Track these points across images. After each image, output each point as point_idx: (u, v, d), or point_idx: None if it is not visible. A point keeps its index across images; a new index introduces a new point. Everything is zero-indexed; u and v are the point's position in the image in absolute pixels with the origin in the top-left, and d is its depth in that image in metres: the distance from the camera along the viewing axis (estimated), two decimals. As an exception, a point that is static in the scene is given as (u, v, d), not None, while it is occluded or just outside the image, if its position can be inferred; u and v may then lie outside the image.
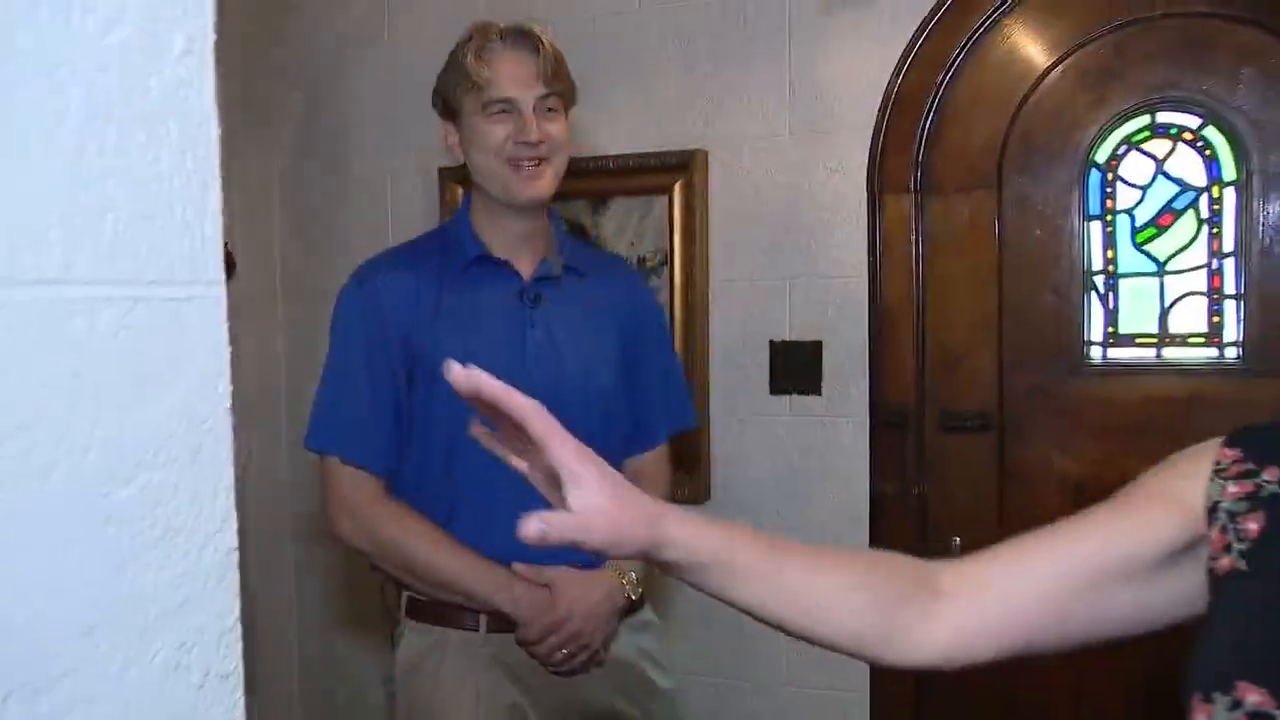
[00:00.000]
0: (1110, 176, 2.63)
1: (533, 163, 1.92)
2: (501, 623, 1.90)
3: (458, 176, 3.16)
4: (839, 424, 2.85)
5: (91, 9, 0.71)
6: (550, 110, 1.95)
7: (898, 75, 2.71)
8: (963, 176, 2.73)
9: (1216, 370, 2.57)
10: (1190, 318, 2.59)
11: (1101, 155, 2.62)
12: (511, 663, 1.91)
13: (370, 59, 3.30)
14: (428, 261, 1.99)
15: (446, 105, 1.98)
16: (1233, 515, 0.99)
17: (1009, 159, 2.69)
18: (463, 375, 1.07)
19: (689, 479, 2.92)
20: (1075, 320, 2.67)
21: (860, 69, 2.76)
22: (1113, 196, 2.64)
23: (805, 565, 1.08)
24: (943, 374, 2.79)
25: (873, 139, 2.76)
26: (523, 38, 1.94)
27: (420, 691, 1.93)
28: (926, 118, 2.72)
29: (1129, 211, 2.62)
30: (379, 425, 1.91)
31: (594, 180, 3.02)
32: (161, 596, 0.77)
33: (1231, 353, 2.55)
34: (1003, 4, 2.63)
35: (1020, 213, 2.70)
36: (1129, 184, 2.62)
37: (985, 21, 2.66)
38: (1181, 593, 1.03)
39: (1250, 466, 1.00)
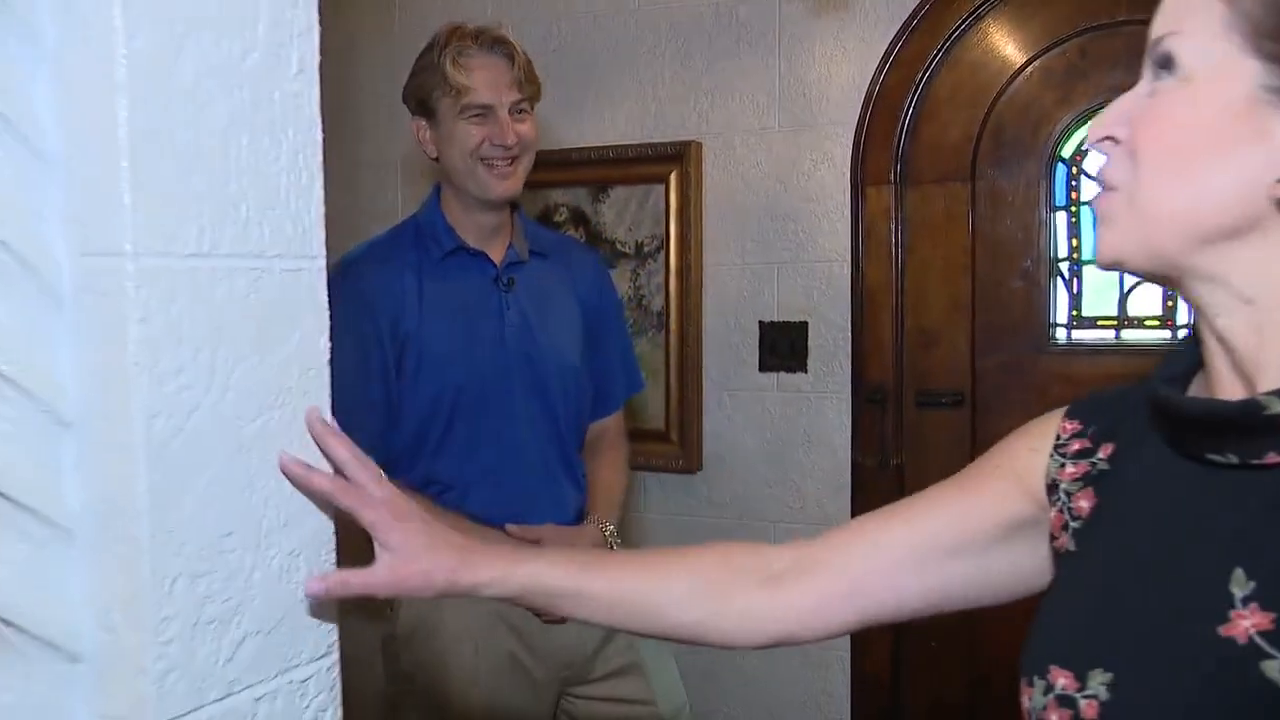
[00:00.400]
0: (1075, 170, 2.80)
1: (505, 162, 2.01)
2: None
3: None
4: (823, 399, 3.02)
5: (232, 38, 0.89)
6: (521, 112, 2.04)
7: (879, 74, 2.87)
8: (939, 169, 2.90)
9: (1170, 350, 2.74)
10: (1146, 302, 2.77)
11: (1067, 150, 2.80)
12: (507, 615, 1.99)
13: (380, 52, 3.44)
14: (406, 254, 2.07)
15: (422, 105, 2.06)
16: (1069, 494, 0.97)
17: (982, 154, 2.86)
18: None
19: (682, 451, 3.10)
20: (1042, 304, 2.84)
21: (844, 68, 2.93)
22: (1077, 189, 2.81)
23: (624, 574, 1.13)
24: (920, 353, 2.96)
25: (856, 133, 2.92)
26: (498, 44, 2.02)
27: (422, 650, 2.02)
28: (906, 114, 2.89)
29: (1092, 203, 2.79)
30: (368, 413, 1.97)
31: (594, 169, 3.17)
32: (279, 512, 0.95)
33: (1183, 334, 2.74)
34: (976, 9, 2.80)
35: (992, 203, 2.87)
36: (1092, 178, 2.79)
37: (961, 25, 2.82)
38: (1026, 566, 1.02)
39: (1087, 445, 0.98)
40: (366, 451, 2.10)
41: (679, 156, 3.08)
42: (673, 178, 3.10)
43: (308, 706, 0.99)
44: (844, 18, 2.88)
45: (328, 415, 1.02)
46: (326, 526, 1.01)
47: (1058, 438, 1.00)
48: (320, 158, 0.98)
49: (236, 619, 0.91)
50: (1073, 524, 0.95)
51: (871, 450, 2.96)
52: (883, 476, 2.96)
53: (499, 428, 2.03)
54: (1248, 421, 0.79)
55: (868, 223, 2.95)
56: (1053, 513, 0.98)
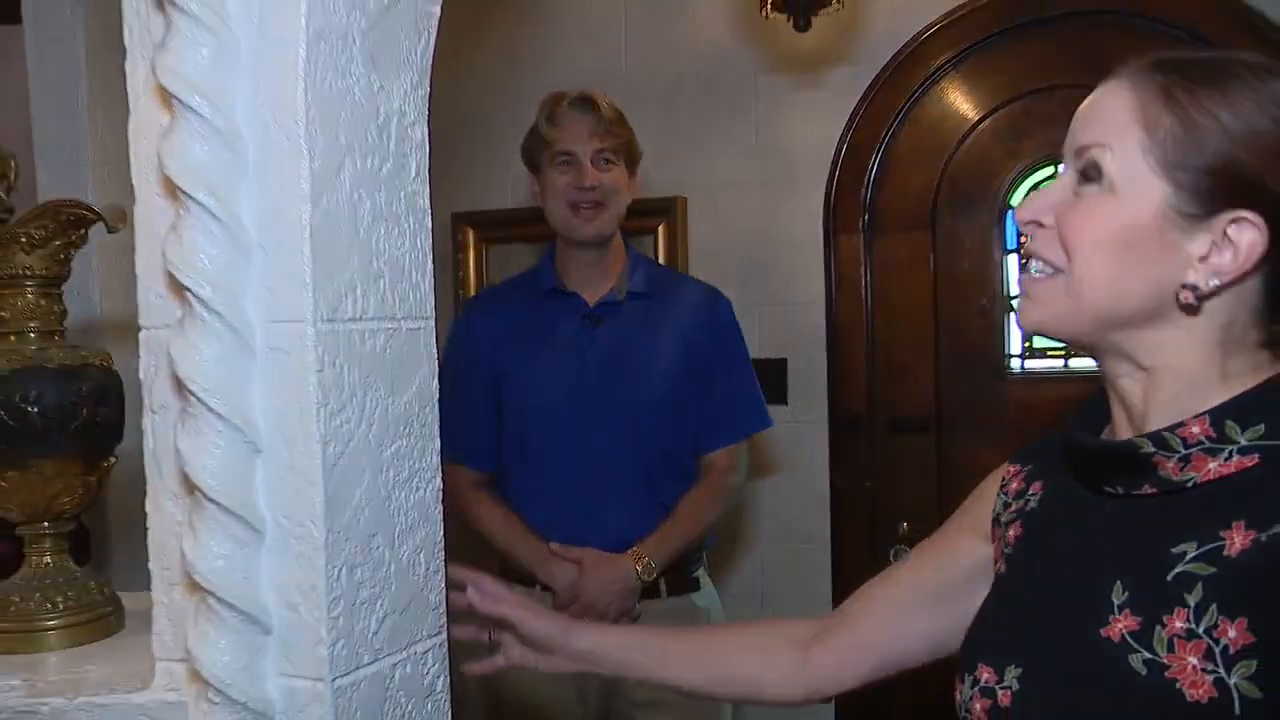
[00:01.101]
0: (1024, 217, 3.10)
1: (589, 206, 2.24)
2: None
3: (470, 221, 3.58)
4: (803, 428, 3.27)
5: (373, 155, 1.14)
6: (607, 161, 2.26)
7: (846, 133, 3.16)
8: (903, 218, 3.19)
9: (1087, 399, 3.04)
10: (1091, 333, 3.07)
11: (1015, 199, 3.10)
12: None
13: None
14: (515, 294, 2.38)
15: (530, 162, 2.34)
16: (1005, 526, 1.13)
17: (940, 203, 3.15)
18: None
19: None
20: (998, 337, 3.13)
21: (815, 129, 3.21)
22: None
23: (694, 648, 1.40)
24: (889, 384, 3.23)
25: (827, 187, 3.20)
26: (584, 102, 2.28)
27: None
28: (871, 169, 3.18)
29: (1040, 246, 3.09)
30: (473, 430, 2.29)
31: (589, 223, 3.45)
32: (405, 519, 1.20)
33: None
34: (932, 75, 3.10)
35: (950, 247, 3.16)
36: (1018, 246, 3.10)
37: (919, 89, 3.11)
38: None
39: (1023, 485, 1.14)
40: (470, 458, 2.26)
41: (666, 210, 3.35)
42: (661, 229, 3.37)
43: (426, 674, 1.23)
44: (814, 83, 3.17)
45: (435, 457, 1.25)
46: (437, 531, 1.25)
47: (1003, 480, 1.18)
48: (430, 240, 1.23)
49: (380, 601, 1.15)
50: (1005, 550, 1.12)
51: (848, 473, 3.23)
52: (859, 497, 3.23)
53: (567, 452, 2.24)
54: (1128, 459, 0.96)
55: (840, 267, 3.22)
56: (995, 544, 1.15)
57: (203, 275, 1.04)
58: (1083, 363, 3.08)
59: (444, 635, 1.26)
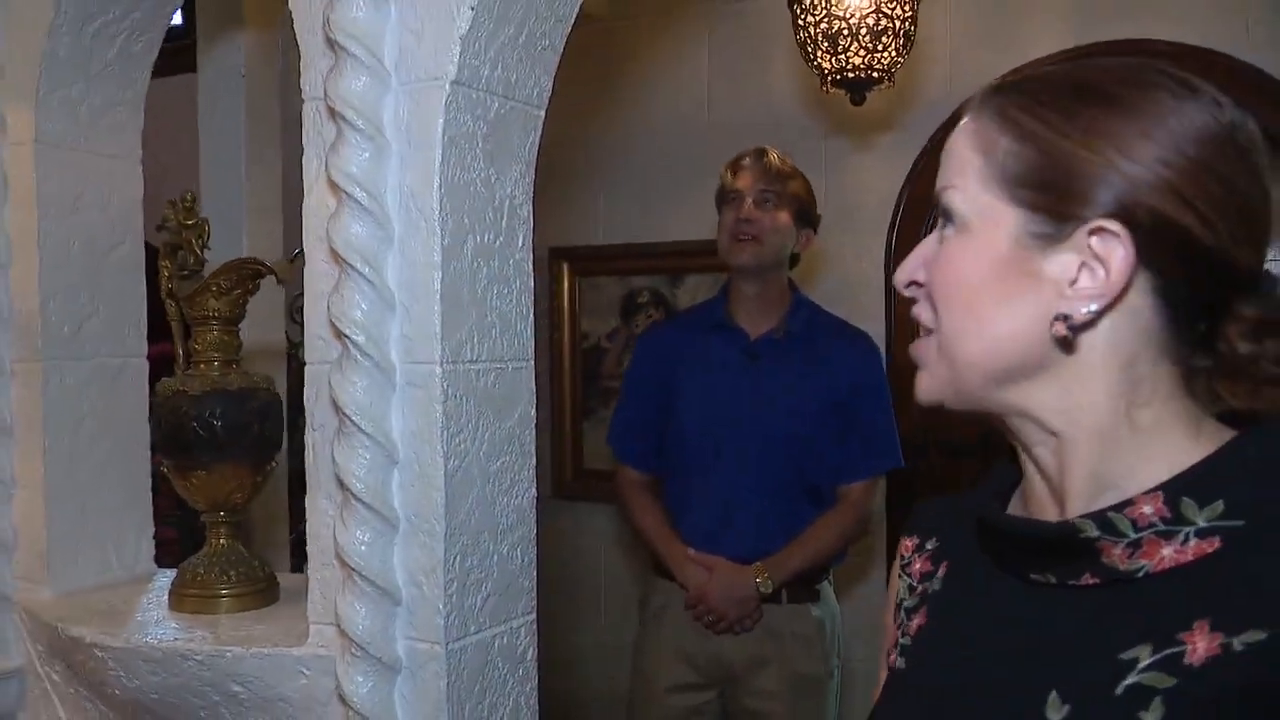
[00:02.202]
0: (1069, 264, 3.25)
1: (746, 237, 2.39)
2: None
3: (565, 255, 3.84)
4: (862, 451, 3.45)
5: (489, 230, 1.40)
6: (768, 204, 2.41)
7: (906, 186, 3.35)
8: (957, 262, 3.36)
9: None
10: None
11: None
12: (681, 645, 2.43)
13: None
14: (688, 323, 2.60)
15: (717, 204, 2.53)
16: (908, 613, 0.93)
17: (993, 249, 3.31)
18: None
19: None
20: (1044, 373, 3.28)
21: (878, 182, 3.39)
22: (1071, 279, 3.26)
23: None
24: (945, 413, 3.37)
25: (888, 233, 3.39)
26: (759, 154, 2.46)
27: (645, 616, 2.53)
28: (930, 216, 3.35)
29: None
30: (640, 434, 2.52)
31: (671, 260, 3.65)
32: (506, 519, 1.44)
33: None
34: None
35: (1001, 290, 3.32)
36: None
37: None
38: None
39: (929, 566, 0.94)
40: (636, 460, 2.55)
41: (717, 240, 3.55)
42: (737, 267, 3.58)
43: (519, 645, 1.47)
44: (876, 145, 3.37)
45: (531, 471, 1.50)
46: (531, 530, 1.49)
47: (903, 559, 0.98)
48: (532, 298, 1.48)
49: (485, 583, 1.39)
50: (903, 641, 0.92)
51: (904, 493, 3.40)
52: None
53: (714, 469, 2.42)
54: (1065, 544, 0.77)
55: (901, 305, 3.41)
56: (896, 634, 0.95)
57: (357, 325, 1.30)
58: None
59: (534, 615, 1.50)
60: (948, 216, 0.82)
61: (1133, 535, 0.75)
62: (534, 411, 1.50)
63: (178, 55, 2.57)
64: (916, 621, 0.92)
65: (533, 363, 1.50)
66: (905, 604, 0.94)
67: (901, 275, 0.87)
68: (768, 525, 2.41)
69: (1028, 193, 0.77)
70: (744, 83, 3.56)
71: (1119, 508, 0.75)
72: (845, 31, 2.33)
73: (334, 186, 1.31)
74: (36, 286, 1.63)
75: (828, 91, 2.54)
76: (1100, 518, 0.76)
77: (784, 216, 2.44)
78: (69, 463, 1.67)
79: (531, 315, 1.49)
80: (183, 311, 1.62)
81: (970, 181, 0.80)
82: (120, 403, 1.76)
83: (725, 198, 2.48)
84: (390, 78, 1.32)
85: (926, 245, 0.86)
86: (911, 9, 2.39)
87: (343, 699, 1.33)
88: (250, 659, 1.40)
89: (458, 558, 1.35)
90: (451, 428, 1.33)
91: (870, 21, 2.31)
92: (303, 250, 1.39)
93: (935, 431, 3.37)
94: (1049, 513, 0.83)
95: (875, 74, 2.42)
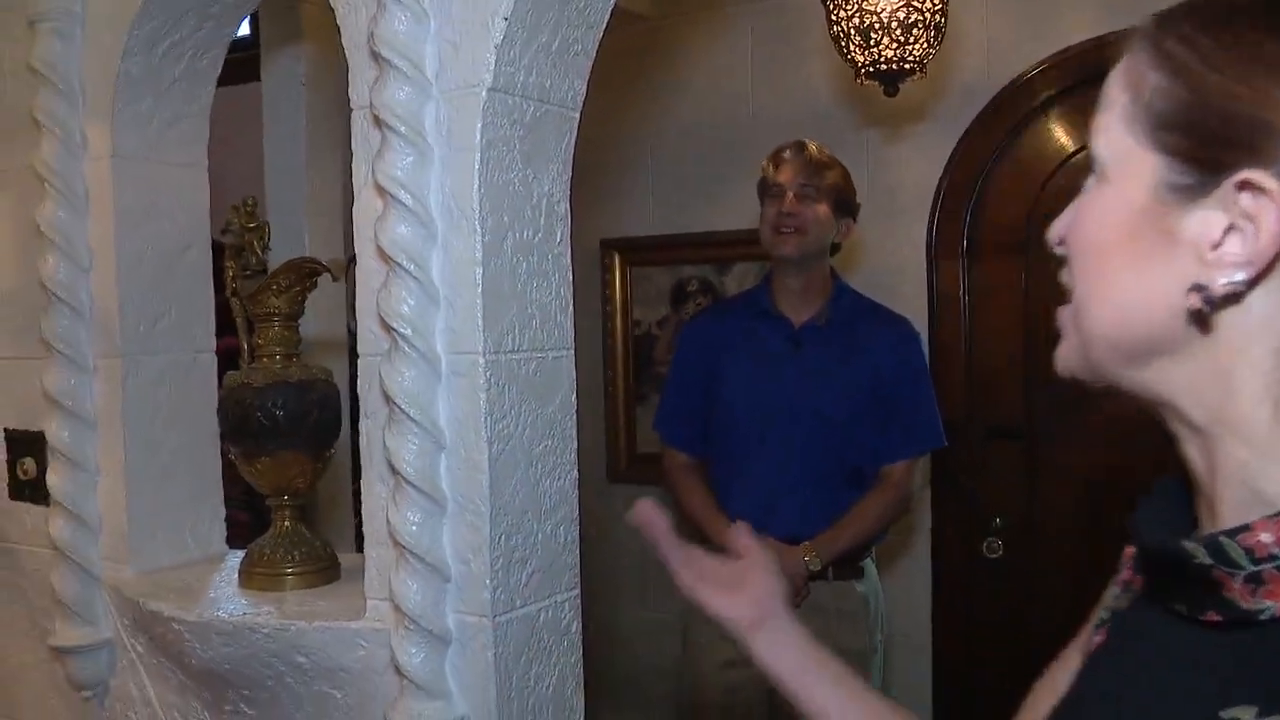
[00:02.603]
0: (1110, 246, 3.23)
1: (788, 230, 2.42)
2: None
3: (615, 246, 3.89)
4: (907, 433, 3.47)
5: (528, 227, 1.45)
6: (809, 197, 2.43)
7: (946, 172, 3.35)
8: (998, 245, 3.35)
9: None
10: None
11: (1103, 230, 3.23)
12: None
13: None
14: (734, 310, 2.63)
15: (760, 196, 2.55)
16: (1095, 628, 0.81)
17: (1032, 231, 3.29)
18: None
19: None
20: (1085, 353, 3.27)
21: (918, 169, 3.39)
22: (1112, 260, 3.24)
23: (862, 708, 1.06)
24: (985, 394, 3.39)
25: (929, 219, 3.38)
26: (798, 147, 2.50)
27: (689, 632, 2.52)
28: (969, 202, 3.36)
29: (1124, 272, 3.23)
30: (687, 419, 2.56)
31: (719, 249, 3.69)
32: (549, 500, 1.50)
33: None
34: (1023, 117, 3.27)
35: (1041, 271, 3.30)
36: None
37: (1013, 128, 3.29)
38: None
39: (1131, 575, 0.80)
40: (682, 443, 2.56)
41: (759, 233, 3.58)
42: (782, 255, 3.61)
43: (563, 619, 1.52)
44: (916, 133, 3.38)
45: (572, 455, 1.55)
46: (573, 511, 1.54)
47: (1120, 562, 0.83)
48: (572, 291, 1.53)
49: (530, 561, 1.45)
50: (1086, 660, 0.81)
51: (947, 474, 3.41)
52: (959, 495, 3.40)
53: (759, 452, 2.47)
54: (1180, 570, 0.64)
55: (941, 289, 3.40)
56: (1085, 637, 0.84)
57: (405, 319, 1.36)
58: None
59: (577, 590, 1.56)
60: (1092, 165, 0.70)
61: (1250, 567, 0.61)
62: (574, 398, 1.55)
63: (244, 65, 2.66)
64: (1099, 639, 0.80)
65: (573, 351, 1.55)
66: (1098, 617, 0.83)
67: (1051, 233, 0.76)
68: (811, 508, 2.44)
69: (1172, 136, 0.64)
70: (783, 77, 3.58)
71: (1234, 532, 0.62)
72: (877, 25, 2.34)
73: (380, 190, 1.37)
74: (115, 289, 1.72)
75: (862, 84, 2.56)
76: (1212, 542, 0.62)
77: (824, 208, 2.46)
78: (146, 451, 1.77)
79: (571, 306, 1.54)
80: (246, 308, 1.70)
81: (1114, 123, 0.68)
82: (192, 395, 1.85)
83: (767, 190, 2.50)
84: (431, 87, 1.38)
85: (1078, 199, 0.73)
86: (942, 1, 2.40)
87: (398, 669, 1.40)
88: (313, 632, 1.48)
89: (503, 536, 1.41)
90: (495, 414, 1.39)
91: (901, 15, 2.32)
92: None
93: (977, 411, 3.38)
94: (1205, 528, 0.69)
95: (908, 65, 2.43)
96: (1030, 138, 3.31)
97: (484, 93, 1.36)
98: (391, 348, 1.39)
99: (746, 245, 3.66)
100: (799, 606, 2.40)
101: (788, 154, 2.50)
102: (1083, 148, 3.22)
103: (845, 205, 2.52)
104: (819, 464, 2.44)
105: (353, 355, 2.76)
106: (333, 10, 1.48)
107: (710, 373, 2.53)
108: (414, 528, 1.38)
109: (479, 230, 1.37)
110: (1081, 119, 3.22)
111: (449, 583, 1.41)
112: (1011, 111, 3.28)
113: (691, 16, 3.63)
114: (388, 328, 1.38)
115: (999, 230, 3.35)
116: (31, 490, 1.82)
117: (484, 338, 1.38)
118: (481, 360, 1.38)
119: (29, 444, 1.82)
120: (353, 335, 2.84)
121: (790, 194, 2.44)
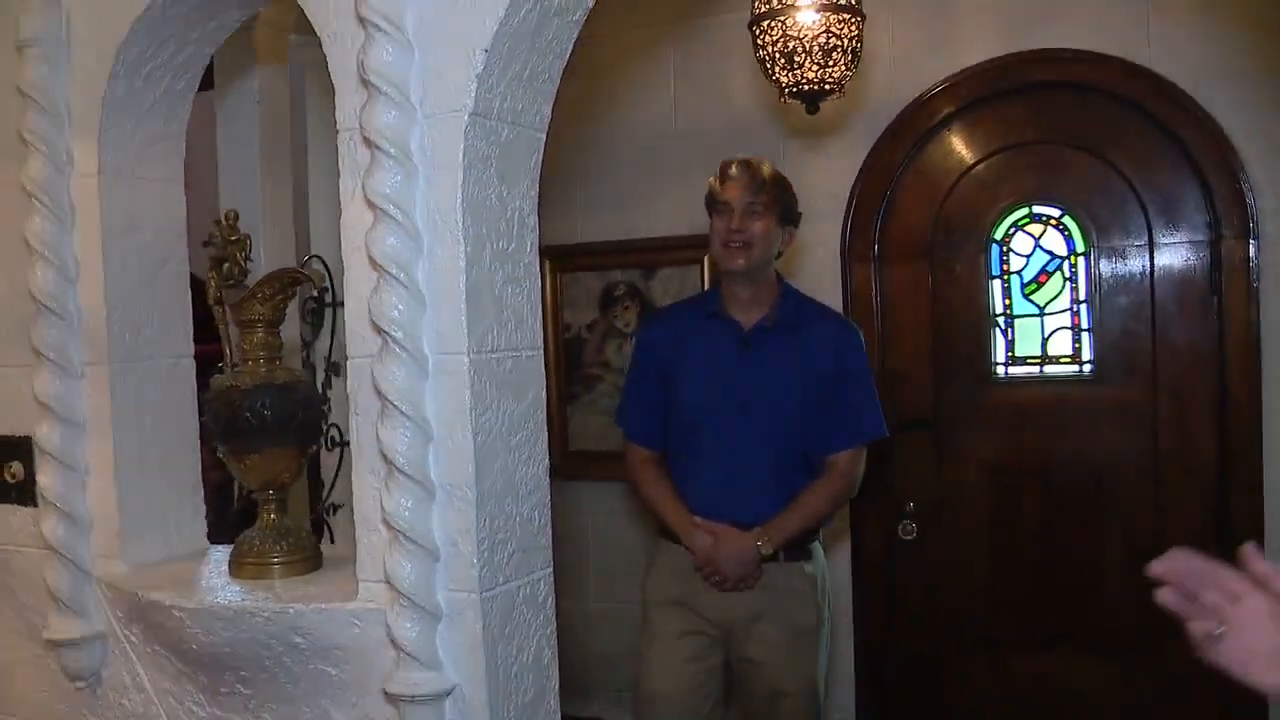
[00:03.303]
0: (1005, 249, 3.43)
1: (737, 245, 2.50)
2: None
3: (548, 254, 3.98)
4: (824, 424, 3.63)
5: (504, 238, 1.55)
6: (755, 213, 2.50)
7: (859, 183, 3.52)
8: (906, 250, 3.53)
9: (1078, 380, 3.38)
10: (1061, 344, 3.40)
11: (999, 234, 3.42)
12: (681, 598, 2.59)
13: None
14: (686, 313, 2.71)
15: (707, 209, 2.62)
16: None
17: (936, 237, 3.49)
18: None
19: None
20: (985, 348, 3.46)
21: (832, 177, 3.55)
22: (1007, 262, 3.43)
23: None
24: (896, 388, 3.57)
25: (843, 224, 3.55)
26: (744, 164, 2.55)
27: (654, 576, 2.65)
28: (879, 210, 3.53)
29: (1018, 273, 3.43)
30: (645, 415, 2.64)
31: (645, 254, 3.81)
32: (525, 487, 1.60)
33: (1087, 368, 3.37)
34: (927, 133, 3.46)
35: (945, 274, 3.50)
36: (1017, 254, 3.42)
37: (918, 142, 3.48)
38: None
39: None
40: (642, 438, 2.67)
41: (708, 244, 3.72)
42: (705, 260, 3.72)
43: (539, 595, 1.63)
44: (829, 141, 3.55)
45: (544, 444, 1.65)
46: (546, 496, 1.64)
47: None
48: (540, 294, 1.64)
49: (510, 542, 1.56)
50: None
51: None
52: (875, 484, 3.57)
53: (715, 446, 2.56)
54: None
55: (855, 291, 3.57)
56: None
57: (395, 322, 1.46)
58: (1054, 369, 3.42)
59: (550, 569, 1.66)
60: None
61: None
62: (544, 393, 1.66)
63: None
64: None
65: (542, 351, 1.66)
66: None
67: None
68: (763, 496, 2.55)
69: None
70: (708, 94, 3.72)
71: None
72: (799, 50, 2.49)
73: (371, 205, 1.46)
74: (102, 299, 1.77)
75: (785, 102, 2.71)
76: None
77: (770, 223, 2.55)
78: (135, 452, 1.82)
79: (539, 310, 1.65)
80: (230, 316, 1.77)
81: None
82: (174, 398, 1.90)
83: (715, 206, 2.58)
84: (416, 111, 1.47)
85: None
86: (858, 28, 2.56)
87: (394, 643, 1.49)
88: (310, 614, 1.56)
89: (487, 519, 1.51)
90: (478, 408, 1.49)
91: (821, 40, 2.47)
92: (313, 255, 1.54)
93: (893, 408, 3.54)
94: None
95: (828, 86, 2.59)
96: (933, 150, 3.51)
97: (466, 116, 1.46)
98: (383, 349, 1.47)
99: (672, 251, 3.80)
100: (752, 588, 2.52)
101: (734, 170, 2.57)
102: (980, 160, 3.43)
103: (788, 216, 2.61)
104: (771, 454, 2.55)
105: (306, 357, 2.85)
106: (289, 33, 1.56)
107: (667, 372, 2.62)
108: (406, 513, 1.47)
109: (462, 241, 1.47)
110: (980, 134, 3.43)
111: (439, 562, 1.50)
112: (916, 126, 3.48)
113: (620, 36, 3.74)
114: (379, 330, 1.47)
115: (906, 235, 3.54)
116: (19, 493, 1.86)
117: (468, 338, 1.48)
118: (466, 359, 1.48)
119: (15, 448, 1.85)
120: (304, 341, 2.92)
121: (737, 212, 2.52)
